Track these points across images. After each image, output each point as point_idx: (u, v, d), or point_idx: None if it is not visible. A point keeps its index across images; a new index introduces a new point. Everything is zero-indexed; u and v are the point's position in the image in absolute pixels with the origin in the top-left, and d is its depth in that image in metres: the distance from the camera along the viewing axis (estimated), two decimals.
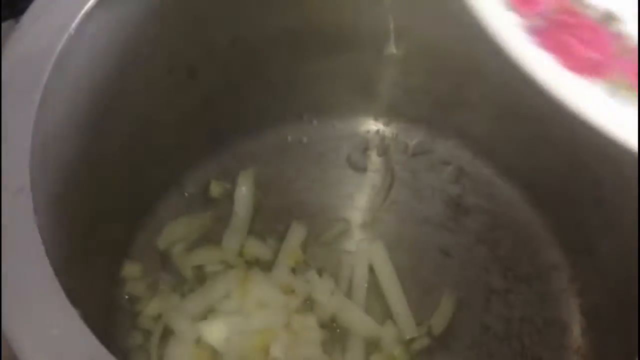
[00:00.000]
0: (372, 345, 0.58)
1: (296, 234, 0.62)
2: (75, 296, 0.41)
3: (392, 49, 0.58)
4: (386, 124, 0.67)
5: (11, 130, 0.42)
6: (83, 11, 0.45)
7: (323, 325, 0.58)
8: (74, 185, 0.49)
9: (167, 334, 0.57)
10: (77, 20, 0.45)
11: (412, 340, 0.58)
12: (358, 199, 0.65)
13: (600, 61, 0.32)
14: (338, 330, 0.58)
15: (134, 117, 0.54)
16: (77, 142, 0.49)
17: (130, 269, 0.60)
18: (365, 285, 0.60)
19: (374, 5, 0.57)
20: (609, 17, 0.33)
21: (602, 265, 0.56)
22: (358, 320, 0.58)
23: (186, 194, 0.64)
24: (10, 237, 0.39)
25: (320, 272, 0.60)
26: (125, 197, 0.58)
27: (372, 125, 0.67)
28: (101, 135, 0.51)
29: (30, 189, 0.40)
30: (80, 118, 0.49)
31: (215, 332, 0.56)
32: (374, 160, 0.67)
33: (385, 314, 0.59)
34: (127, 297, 0.59)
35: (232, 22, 0.56)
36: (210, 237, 0.62)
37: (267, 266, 0.60)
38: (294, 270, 0.60)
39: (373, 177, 0.66)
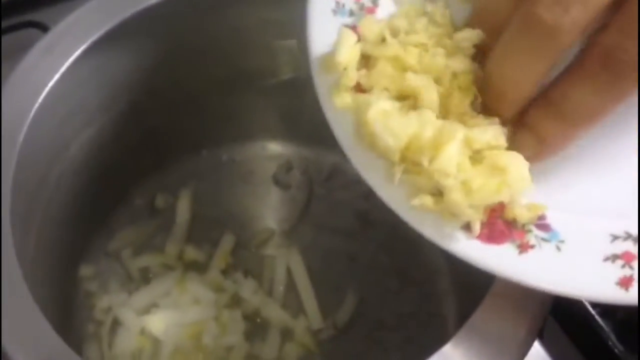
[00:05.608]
0: (287, 334, 0.62)
1: (227, 241, 0.66)
2: (39, 293, 0.46)
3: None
4: (308, 148, 0.74)
5: None
6: None
7: (247, 318, 0.62)
8: (40, 204, 0.57)
9: (116, 324, 0.61)
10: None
11: (319, 330, 0.62)
12: (281, 212, 0.70)
13: None
14: (259, 320, 0.63)
15: (87, 148, 0.61)
16: (41, 168, 0.56)
17: (86, 270, 0.64)
18: (283, 285, 0.65)
19: (286, 52, 0.66)
20: None
21: (473, 270, 0.66)
22: (276, 314, 0.63)
23: (134, 206, 0.68)
24: None
25: (246, 274, 0.64)
26: (83, 210, 0.63)
27: (296, 149, 0.74)
28: (61, 162, 0.59)
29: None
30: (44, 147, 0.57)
31: (156, 323, 0.60)
32: (297, 178, 0.73)
33: (299, 309, 0.63)
34: (83, 293, 0.63)
35: (173, 70, 0.64)
36: (155, 243, 0.66)
37: (202, 268, 0.65)
38: (224, 272, 0.64)
39: (295, 193, 0.71)
